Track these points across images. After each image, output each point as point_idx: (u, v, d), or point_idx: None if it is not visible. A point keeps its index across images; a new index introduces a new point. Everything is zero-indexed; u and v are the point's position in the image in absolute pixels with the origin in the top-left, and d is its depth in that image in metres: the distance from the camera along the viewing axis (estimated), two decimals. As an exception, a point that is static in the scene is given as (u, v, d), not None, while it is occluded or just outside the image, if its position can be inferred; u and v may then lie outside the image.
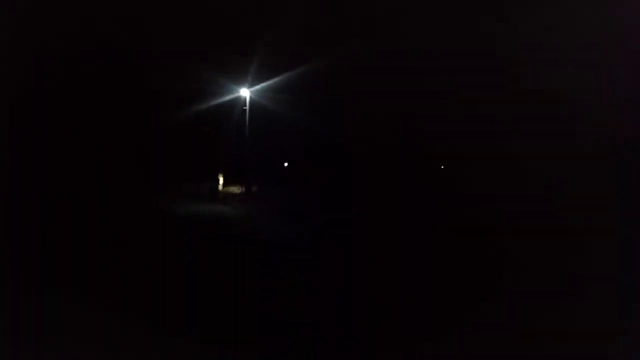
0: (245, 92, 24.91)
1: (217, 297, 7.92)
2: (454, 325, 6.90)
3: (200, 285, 8.46)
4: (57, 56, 12.73)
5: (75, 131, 16.61)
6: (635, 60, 6.94)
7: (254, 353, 6.17)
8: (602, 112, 7.03)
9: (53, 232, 10.27)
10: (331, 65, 16.37)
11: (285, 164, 26.21)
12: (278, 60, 22.00)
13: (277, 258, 10.65)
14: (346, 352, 6.35)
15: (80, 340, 6.07)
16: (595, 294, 6.67)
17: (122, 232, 11.99)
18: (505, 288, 7.42)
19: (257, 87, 24.43)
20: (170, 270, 9.18)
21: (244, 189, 25.52)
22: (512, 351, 6.18)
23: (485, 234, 8.28)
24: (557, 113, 7.27)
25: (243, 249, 11.64)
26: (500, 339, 6.35)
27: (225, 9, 18.18)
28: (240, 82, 24.36)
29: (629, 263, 6.68)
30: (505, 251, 7.84)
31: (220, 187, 25.70)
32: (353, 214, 13.62)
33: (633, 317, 6.32)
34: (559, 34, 7.30)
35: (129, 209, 15.42)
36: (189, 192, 22.83)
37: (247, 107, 25.07)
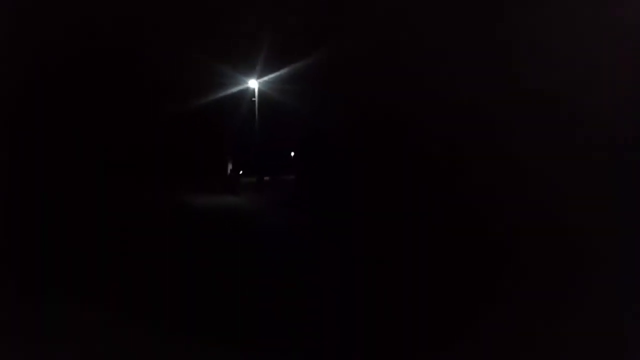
0: (253, 84, 25.02)
1: (226, 297, 8.01)
2: (453, 324, 6.96)
3: (213, 285, 8.53)
4: (55, 48, 12.70)
5: (78, 127, 16.61)
6: (635, 60, 6.92)
7: (254, 353, 6.26)
8: (602, 112, 7.02)
9: (58, 231, 10.30)
10: (340, 58, 16.35)
11: (292, 154, 26.41)
12: (287, 51, 22.00)
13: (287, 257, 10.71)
14: (346, 352, 6.44)
15: (81, 340, 6.15)
16: (595, 294, 6.70)
17: (128, 230, 11.99)
18: (505, 288, 7.47)
19: (266, 78, 24.51)
20: (176, 270, 9.23)
21: (255, 180, 25.77)
22: (512, 351, 6.25)
23: (485, 234, 8.32)
24: (557, 113, 7.28)
25: (257, 248, 11.70)
26: (500, 339, 6.41)
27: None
28: (248, 73, 24.48)
29: (629, 263, 6.70)
30: (505, 251, 7.89)
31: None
32: (355, 210, 13.78)
33: (633, 318, 6.35)
34: (559, 34, 7.29)
35: (138, 205, 15.49)
36: (199, 185, 23.02)
37: (256, 99, 25.19)
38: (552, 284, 7.25)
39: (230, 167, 26.41)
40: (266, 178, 26.04)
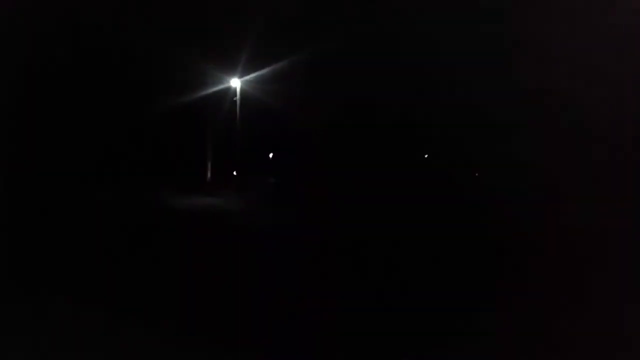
0: (235, 83, 24.76)
1: (217, 296, 7.90)
2: (455, 325, 6.93)
3: (200, 284, 8.42)
4: (39, 46, 12.44)
5: (60, 125, 16.31)
6: (636, 61, 6.98)
7: (254, 353, 6.16)
8: (602, 112, 7.07)
9: (41, 228, 10.12)
10: (322, 56, 16.32)
11: (271, 155, 26.30)
12: (269, 50, 21.94)
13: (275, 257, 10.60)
14: (346, 353, 6.36)
15: (80, 340, 6.03)
16: (596, 294, 6.74)
17: (116, 229, 11.90)
18: (506, 288, 7.48)
19: (248, 77, 24.32)
20: (168, 269, 9.11)
21: (238, 180, 25.62)
22: (513, 351, 6.24)
23: (486, 234, 8.32)
24: (557, 113, 7.30)
25: (242, 250, 11.58)
26: (501, 339, 6.40)
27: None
28: (230, 72, 24.25)
29: (629, 263, 6.76)
30: (507, 251, 7.90)
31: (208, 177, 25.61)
32: (337, 209, 13.77)
33: (633, 318, 6.39)
34: (559, 34, 7.31)
35: (123, 205, 15.36)
36: (181, 185, 22.78)
37: (238, 98, 24.94)
38: (552, 284, 7.28)
39: (210, 167, 26.12)
40: (247, 178, 25.86)
